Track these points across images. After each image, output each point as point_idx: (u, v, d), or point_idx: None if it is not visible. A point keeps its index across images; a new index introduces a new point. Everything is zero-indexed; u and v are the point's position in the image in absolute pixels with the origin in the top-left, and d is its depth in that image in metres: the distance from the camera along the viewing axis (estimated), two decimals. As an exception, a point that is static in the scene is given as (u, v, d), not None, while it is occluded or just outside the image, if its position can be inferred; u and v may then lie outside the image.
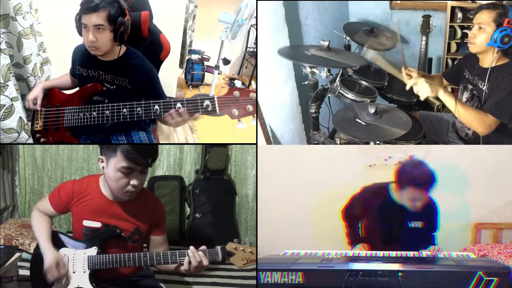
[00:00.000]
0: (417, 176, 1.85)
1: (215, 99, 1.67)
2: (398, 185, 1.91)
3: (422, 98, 1.93)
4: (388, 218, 1.98)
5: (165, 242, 1.80)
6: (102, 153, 1.60)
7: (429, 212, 1.99)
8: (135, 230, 1.70)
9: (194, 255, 1.57)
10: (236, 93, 1.66)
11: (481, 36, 1.94)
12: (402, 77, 2.07)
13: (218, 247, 1.61)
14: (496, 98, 1.93)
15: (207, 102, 1.67)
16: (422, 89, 1.89)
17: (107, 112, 1.79)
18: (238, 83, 2.01)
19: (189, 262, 1.57)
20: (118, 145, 1.54)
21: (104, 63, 1.93)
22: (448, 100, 1.91)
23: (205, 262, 1.58)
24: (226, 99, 1.67)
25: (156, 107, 1.72)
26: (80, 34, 1.86)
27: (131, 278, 1.76)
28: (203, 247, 1.61)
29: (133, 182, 1.57)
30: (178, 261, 1.60)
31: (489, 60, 1.98)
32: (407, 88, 1.98)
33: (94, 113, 1.82)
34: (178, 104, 1.70)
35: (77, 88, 2.08)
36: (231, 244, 1.67)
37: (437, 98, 1.94)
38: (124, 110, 1.76)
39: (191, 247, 1.59)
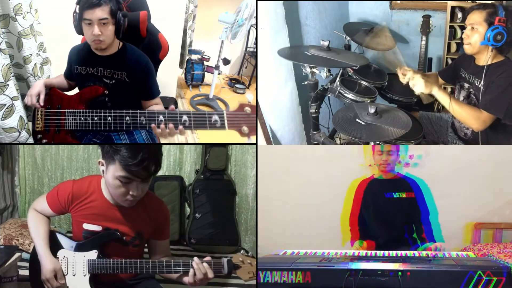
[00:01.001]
0: None
1: (225, 114, 1.59)
2: (372, 147, 2.12)
3: (416, 92, 2.01)
4: (375, 194, 2.14)
5: (167, 248, 1.74)
6: (102, 156, 1.52)
7: (408, 185, 2.15)
8: (136, 235, 1.65)
9: (199, 267, 1.51)
10: (248, 109, 1.57)
11: (475, 36, 1.98)
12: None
13: (224, 259, 1.55)
14: (491, 95, 1.96)
15: (215, 117, 1.58)
16: (418, 84, 1.98)
17: (109, 118, 1.75)
18: (250, 97, 1.94)
19: (194, 274, 1.52)
20: (117, 152, 1.45)
21: (103, 59, 1.95)
22: (442, 97, 1.98)
23: (210, 274, 1.52)
24: (236, 115, 1.58)
25: (161, 117, 1.67)
26: (79, 32, 1.88)
27: (131, 280, 1.72)
28: (208, 258, 1.56)
29: (132, 192, 1.50)
30: (182, 271, 1.55)
31: (484, 58, 2.01)
32: (404, 82, 2.07)
33: (96, 118, 1.79)
34: (184, 117, 1.63)
35: (76, 89, 2.07)
36: (237, 256, 1.60)
37: (431, 95, 2.00)
38: (127, 118, 1.72)
39: (195, 259, 1.54)
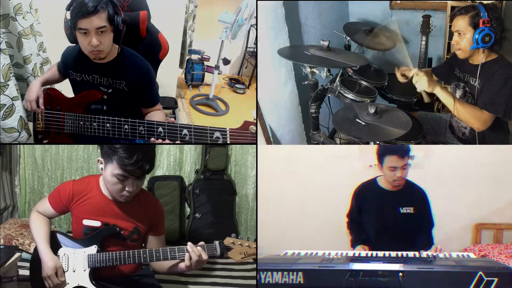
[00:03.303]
0: (392, 146, 1.98)
1: (227, 132, 1.57)
2: (379, 161, 2.00)
3: (418, 89, 2.01)
4: (380, 208, 2.04)
5: (163, 243, 1.79)
6: (102, 155, 1.59)
7: (418, 198, 2.04)
8: (134, 230, 1.70)
9: (193, 250, 1.57)
10: (253, 127, 1.56)
11: (463, 42, 1.98)
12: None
13: (216, 242, 1.61)
14: (489, 94, 1.96)
15: (217, 134, 1.58)
16: (421, 81, 1.98)
17: (108, 125, 1.75)
18: (255, 114, 1.96)
19: (189, 258, 1.57)
20: (115, 152, 1.52)
21: (99, 66, 1.86)
22: (446, 97, 1.98)
23: (204, 256, 1.58)
24: (239, 133, 1.57)
25: (160, 129, 1.67)
26: (72, 41, 1.80)
27: (131, 277, 1.76)
28: (201, 243, 1.61)
29: (128, 188, 1.58)
30: (178, 257, 1.60)
31: (478, 58, 2.00)
32: (410, 75, 2.06)
33: (95, 124, 1.78)
34: (185, 131, 1.63)
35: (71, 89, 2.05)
36: (228, 238, 1.68)
37: (432, 95, 2.00)
38: (126, 126, 1.72)
39: (189, 243, 1.59)
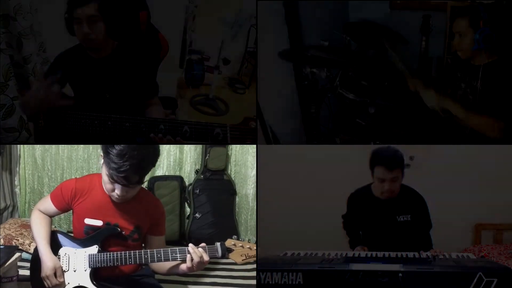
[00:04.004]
0: (382, 156, 1.88)
1: (228, 128, 1.57)
2: (370, 168, 1.91)
3: (429, 105, 1.97)
4: (377, 217, 1.99)
5: (163, 244, 1.79)
6: (102, 151, 1.58)
7: (415, 205, 1.98)
8: (135, 229, 1.70)
9: (195, 251, 1.57)
10: (252, 123, 1.57)
11: (464, 43, 1.96)
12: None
13: (218, 243, 1.61)
14: (493, 96, 1.93)
15: (217, 130, 1.57)
16: (429, 98, 1.96)
17: (109, 123, 1.76)
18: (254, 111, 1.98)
19: (191, 259, 1.57)
20: (108, 155, 1.50)
21: (100, 61, 1.92)
22: (458, 110, 1.93)
23: (206, 257, 1.58)
24: (240, 129, 1.57)
25: (161, 126, 1.67)
26: (71, 33, 1.86)
27: (131, 277, 1.76)
28: (203, 244, 1.61)
29: (117, 191, 1.57)
30: (179, 257, 1.59)
31: (480, 59, 1.99)
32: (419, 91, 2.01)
33: (96, 122, 1.79)
34: (185, 127, 1.64)
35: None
36: (230, 240, 1.67)
37: (444, 110, 1.95)
38: (127, 124, 1.73)
39: (191, 244, 1.59)
